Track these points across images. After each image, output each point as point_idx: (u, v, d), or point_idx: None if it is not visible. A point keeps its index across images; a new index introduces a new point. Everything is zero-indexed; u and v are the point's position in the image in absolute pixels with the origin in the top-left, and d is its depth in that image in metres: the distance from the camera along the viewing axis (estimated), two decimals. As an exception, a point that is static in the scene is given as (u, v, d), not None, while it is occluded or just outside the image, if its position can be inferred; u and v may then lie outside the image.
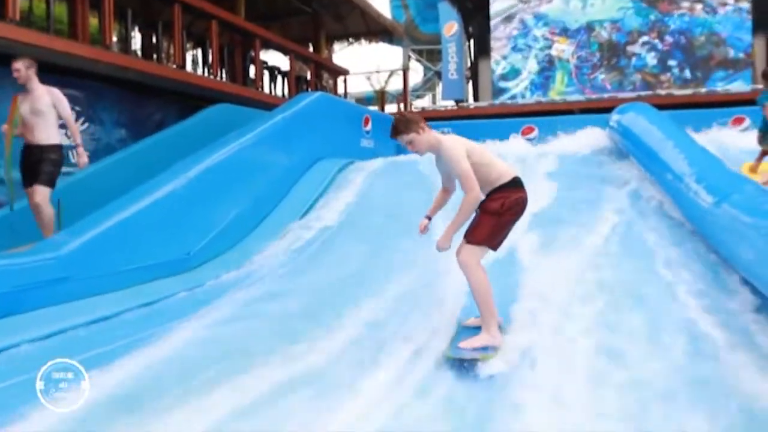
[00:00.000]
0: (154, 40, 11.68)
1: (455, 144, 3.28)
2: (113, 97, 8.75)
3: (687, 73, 13.86)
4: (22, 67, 5.06)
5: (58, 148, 5.25)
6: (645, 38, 14.09)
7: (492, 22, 15.12)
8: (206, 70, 12.09)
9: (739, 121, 9.35)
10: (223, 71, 11.93)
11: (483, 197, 3.31)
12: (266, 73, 13.01)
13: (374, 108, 14.66)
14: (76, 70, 7.78)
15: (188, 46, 12.71)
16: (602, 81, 14.43)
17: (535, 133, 10.93)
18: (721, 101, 11.64)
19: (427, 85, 28.45)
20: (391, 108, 16.42)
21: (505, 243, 3.52)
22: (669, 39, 13.92)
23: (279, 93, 13.31)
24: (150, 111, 9.52)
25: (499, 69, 15.07)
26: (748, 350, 3.00)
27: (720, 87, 13.29)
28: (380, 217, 6.27)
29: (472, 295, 3.31)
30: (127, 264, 4.95)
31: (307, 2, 14.47)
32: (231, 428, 2.60)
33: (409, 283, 4.48)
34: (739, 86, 13.15)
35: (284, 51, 13.18)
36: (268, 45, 12.82)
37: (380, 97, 17.16)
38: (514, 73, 14.96)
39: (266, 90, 12.70)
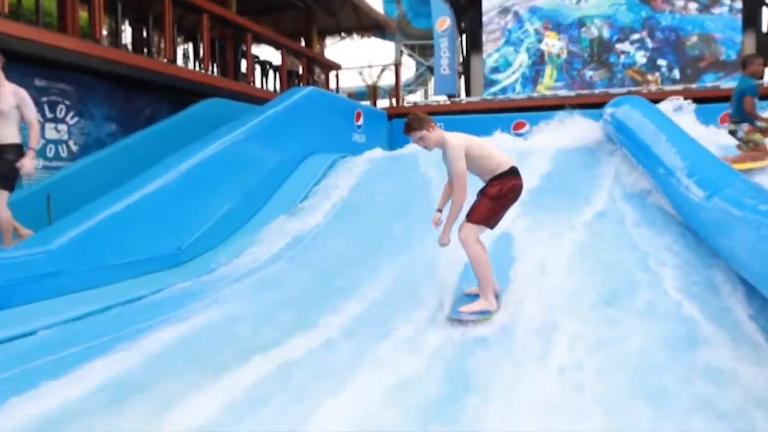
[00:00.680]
0: (144, 34, 11.58)
1: (457, 144, 3.65)
2: (103, 91, 8.68)
3: (676, 74, 13.84)
4: None
5: (17, 147, 4.80)
6: (636, 36, 14.09)
7: (486, 17, 15.10)
8: (197, 64, 12.02)
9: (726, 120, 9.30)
10: (215, 65, 11.86)
11: (483, 184, 3.77)
12: (258, 68, 12.95)
13: (366, 103, 14.64)
14: (65, 63, 7.71)
15: (179, 40, 12.62)
16: (591, 78, 14.43)
17: (526, 128, 10.94)
18: (712, 97, 11.66)
19: (420, 80, 28.43)
20: (383, 103, 16.38)
21: (501, 224, 3.91)
22: (660, 36, 13.93)
23: (270, 87, 13.25)
24: (140, 105, 9.46)
25: (491, 61, 15.05)
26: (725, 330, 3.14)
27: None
28: (373, 211, 6.28)
29: (471, 266, 3.70)
30: (117, 258, 4.93)
31: (298, -4, 14.42)
32: (225, 421, 2.59)
33: (407, 263, 4.77)
34: (731, 83, 13.15)
35: (276, 45, 13.12)
36: (259, 39, 12.76)
37: (372, 92, 17.12)
38: (506, 65, 14.95)
39: (258, 84, 12.65)
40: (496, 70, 15.08)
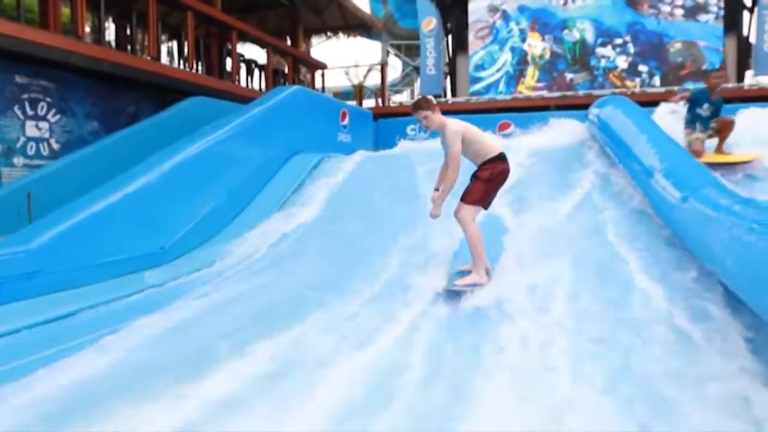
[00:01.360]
0: (128, 31, 11.51)
1: (456, 129, 4.08)
2: (86, 88, 8.61)
3: (656, 80, 13.92)
4: None
5: None
6: (619, 40, 14.17)
7: (475, 15, 15.12)
8: (182, 62, 11.94)
9: None
10: (199, 64, 11.79)
11: (474, 167, 4.25)
12: (243, 67, 12.90)
13: (352, 103, 14.63)
14: (47, 60, 7.64)
15: (163, 37, 12.54)
16: (571, 80, 14.51)
17: (511, 129, 11.01)
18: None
19: (406, 81, 28.43)
20: (369, 103, 16.38)
21: (490, 211, 4.43)
22: (643, 39, 14.01)
23: (256, 86, 13.21)
24: (124, 103, 9.39)
25: (476, 58, 15.08)
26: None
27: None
28: (362, 206, 6.30)
29: (468, 244, 4.12)
30: (99, 258, 4.89)
31: (284, -5, 14.38)
32: (210, 419, 2.60)
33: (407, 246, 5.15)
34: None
35: (261, 44, 13.07)
36: (245, 38, 12.71)
37: (358, 92, 17.11)
38: (491, 62, 14.99)
39: (243, 83, 12.60)
40: (481, 67, 15.12)
